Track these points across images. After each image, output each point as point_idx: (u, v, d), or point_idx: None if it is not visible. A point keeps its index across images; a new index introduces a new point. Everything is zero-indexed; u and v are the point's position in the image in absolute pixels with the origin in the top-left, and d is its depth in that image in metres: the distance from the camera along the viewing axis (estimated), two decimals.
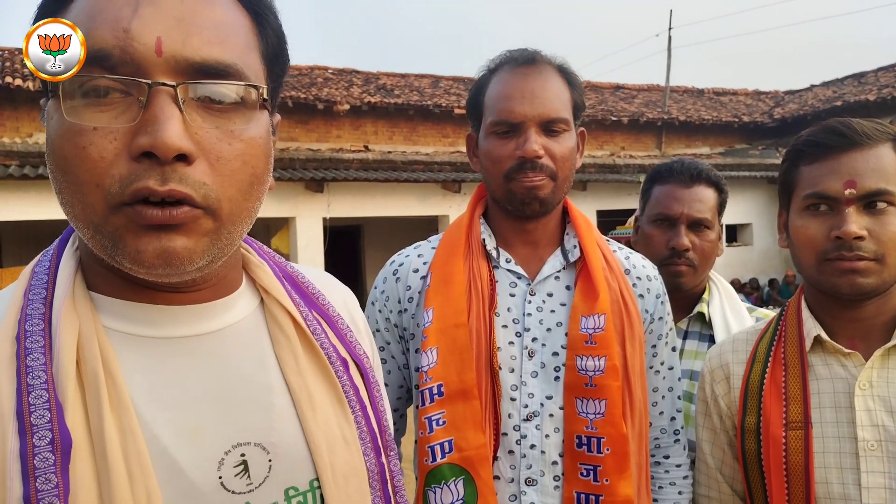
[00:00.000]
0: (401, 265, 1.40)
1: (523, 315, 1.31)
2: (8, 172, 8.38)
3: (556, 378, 1.27)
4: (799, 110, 17.06)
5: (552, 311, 1.31)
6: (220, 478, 0.67)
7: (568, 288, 1.33)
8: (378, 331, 1.40)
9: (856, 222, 1.12)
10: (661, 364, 1.41)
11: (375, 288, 1.43)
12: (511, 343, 1.29)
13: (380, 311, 1.39)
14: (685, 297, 1.75)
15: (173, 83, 0.62)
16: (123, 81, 0.62)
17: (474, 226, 1.38)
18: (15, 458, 0.58)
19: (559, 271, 1.35)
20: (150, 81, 0.61)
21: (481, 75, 1.38)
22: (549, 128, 1.28)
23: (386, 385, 1.42)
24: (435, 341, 1.26)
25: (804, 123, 16.20)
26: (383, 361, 1.40)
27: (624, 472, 1.22)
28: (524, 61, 1.31)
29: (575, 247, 1.35)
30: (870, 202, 1.13)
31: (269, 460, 0.71)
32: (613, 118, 16.03)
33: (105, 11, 0.62)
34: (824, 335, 1.21)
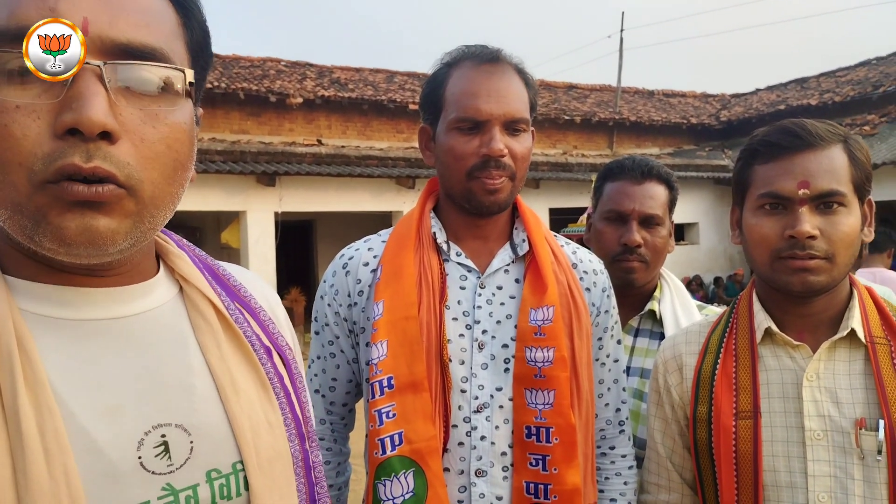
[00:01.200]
0: (350, 259, 1.39)
1: (473, 307, 1.31)
2: None
3: (506, 370, 1.28)
4: (744, 113, 17.59)
5: (502, 303, 1.32)
6: (140, 458, 0.66)
7: (517, 281, 1.34)
8: (327, 325, 1.38)
9: (809, 222, 1.15)
10: (607, 356, 1.44)
11: (324, 282, 1.41)
12: (461, 335, 1.29)
13: (329, 304, 1.38)
14: (637, 294, 1.76)
15: (99, 62, 0.62)
16: None
17: (425, 219, 1.38)
18: None
19: (508, 265, 1.36)
20: None
21: (438, 69, 1.36)
22: (513, 127, 1.29)
23: (335, 380, 1.40)
24: (385, 334, 1.25)
25: (749, 126, 16.69)
26: (332, 356, 1.39)
27: (572, 462, 1.23)
28: (488, 59, 1.31)
29: (524, 241, 1.37)
30: (822, 202, 1.16)
31: (191, 442, 0.70)
32: (566, 117, 16.24)
33: None
34: (774, 328, 1.24)
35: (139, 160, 0.64)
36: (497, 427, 1.26)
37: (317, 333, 1.41)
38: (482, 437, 1.25)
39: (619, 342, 1.48)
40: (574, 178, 12.92)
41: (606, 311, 1.42)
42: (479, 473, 1.25)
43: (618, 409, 1.45)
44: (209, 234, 12.82)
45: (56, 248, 0.63)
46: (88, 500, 0.61)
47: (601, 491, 1.40)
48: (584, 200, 12.16)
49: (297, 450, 0.79)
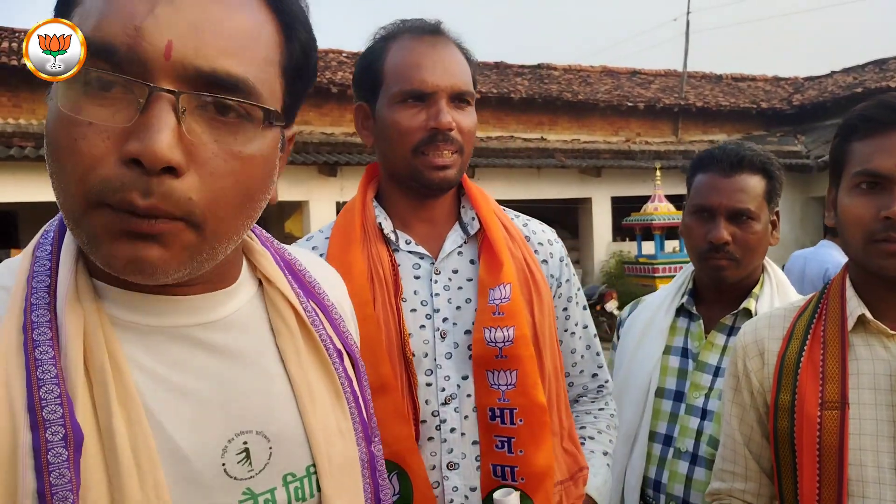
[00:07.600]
0: None
1: (431, 296, 1.25)
2: (24, 154, 8.43)
3: (471, 356, 1.23)
4: (818, 97, 16.84)
5: (459, 287, 1.27)
6: (224, 464, 0.69)
7: (472, 262, 1.29)
8: None
9: None
10: (576, 325, 1.42)
11: None
12: (422, 327, 1.24)
13: None
14: (734, 291, 1.65)
15: (176, 91, 0.59)
16: (125, 80, 0.59)
17: (367, 210, 1.30)
18: (28, 453, 0.59)
19: (461, 246, 1.30)
20: (151, 85, 0.59)
21: (374, 43, 1.30)
22: (459, 100, 1.24)
23: None
24: None
25: (823, 110, 15.98)
26: None
27: (540, 442, 1.19)
28: (430, 30, 1.27)
29: (473, 219, 1.31)
30: None
31: (270, 448, 0.72)
32: (629, 104, 15.89)
33: (120, 4, 0.60)
34: (869, 315, 1.17)
35: (204, 195, 0.61)
36: (466, 417, 1.22)
37: None
38: (452, 430, 1.22)
39: (584, 308, 1.45)
40: (637, 167, 12.65)
41: (567, 280, 1.39)
42: (451, 466, 1.21)
43: (594, 374, 1.45)
44: (273, 223, 13.11)
45: (108, 270, 0.63)
46: None
47: (592, 452, 1.40)
48: (647, 189, 11.88)
49: (363, 453, 0.81)
